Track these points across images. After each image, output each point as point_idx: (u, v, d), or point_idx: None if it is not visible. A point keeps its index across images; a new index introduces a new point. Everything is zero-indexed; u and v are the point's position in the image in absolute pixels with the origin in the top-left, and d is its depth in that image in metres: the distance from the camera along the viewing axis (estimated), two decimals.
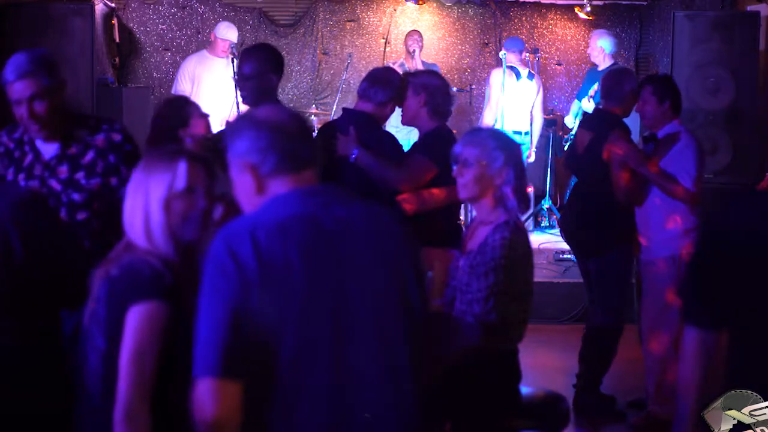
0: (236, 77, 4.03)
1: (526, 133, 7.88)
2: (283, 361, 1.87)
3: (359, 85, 4.30)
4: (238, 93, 6.73)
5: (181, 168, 2.21)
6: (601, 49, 7.56)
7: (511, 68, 7.75)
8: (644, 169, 4.29)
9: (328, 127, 4.40)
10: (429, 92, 4.17)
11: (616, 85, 4.60)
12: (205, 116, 3.88)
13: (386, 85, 4.18)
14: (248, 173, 2.00)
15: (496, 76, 7.69)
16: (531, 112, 7.91)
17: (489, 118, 7.75)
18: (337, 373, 1.91)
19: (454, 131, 9.23)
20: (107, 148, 3.12)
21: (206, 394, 1.82)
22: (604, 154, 4.43)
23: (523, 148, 7.77)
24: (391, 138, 4.33)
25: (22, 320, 2.48)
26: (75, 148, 3.10)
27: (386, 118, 4.30)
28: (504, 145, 3.10)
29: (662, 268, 4.35)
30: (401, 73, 4.59)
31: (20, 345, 2.49)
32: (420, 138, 4.33)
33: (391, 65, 7.52)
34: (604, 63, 7.53)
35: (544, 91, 8.18)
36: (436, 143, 4.10)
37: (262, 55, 4.04)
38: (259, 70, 3.96)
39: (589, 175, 4.71)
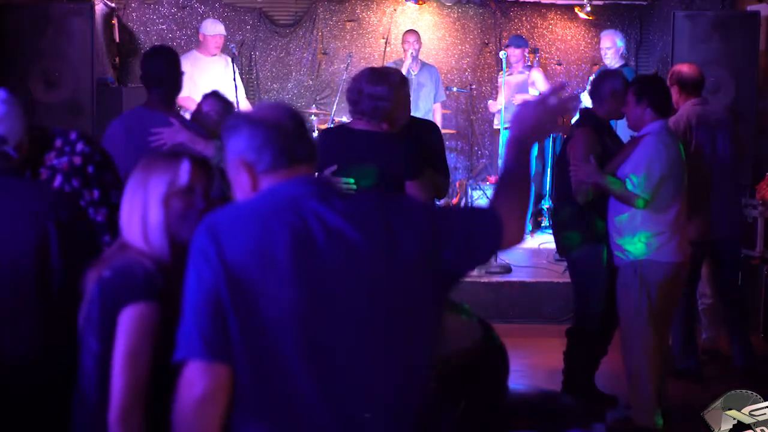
0: (146, 77, 4.08)
1: None
2: (265, 350, 1.85)
3: None
4: (238, 93, 6.80)
5: (185, 166, 2.21)
6: (619, 48, 7.49)
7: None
8: (577, 175, 4.26)
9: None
10: (348, 90, 3.99)
11: (597, 85, 4.57)
12: None
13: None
14: (245, 171, 2.00)
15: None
16: None
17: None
18: (318, 369, 1.86)
19: (453, 131, 9.25)
20: (71, 173, 3.01)
21: (192, 374, 1.82)
22: (568, 152, 4.42)
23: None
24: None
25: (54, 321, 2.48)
26: (44, 174, 3.01)
27: None
28: None
29: (628, 274, 4.25)
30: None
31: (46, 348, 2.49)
32: None
33: (389, 65, 7.53)
34: (614, 62, 7.47)
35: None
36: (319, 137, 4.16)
37: (172, 57, 4.04)
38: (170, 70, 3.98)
39: (560, 172, 4.65)
